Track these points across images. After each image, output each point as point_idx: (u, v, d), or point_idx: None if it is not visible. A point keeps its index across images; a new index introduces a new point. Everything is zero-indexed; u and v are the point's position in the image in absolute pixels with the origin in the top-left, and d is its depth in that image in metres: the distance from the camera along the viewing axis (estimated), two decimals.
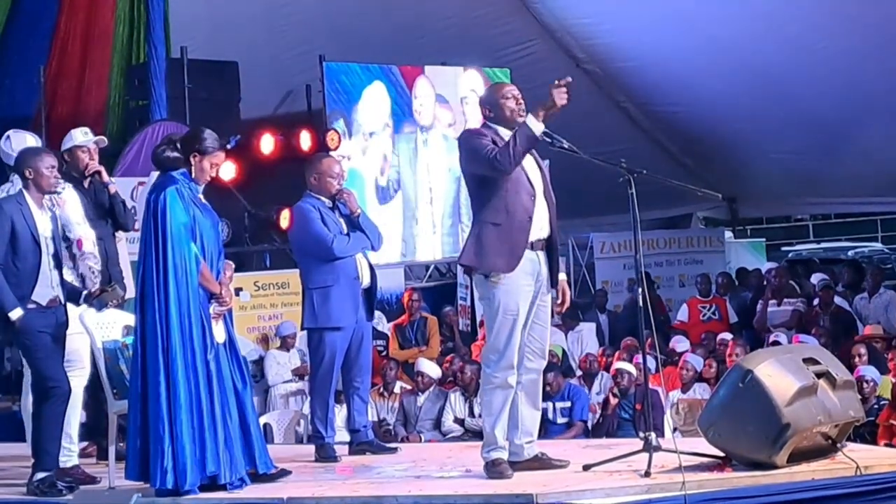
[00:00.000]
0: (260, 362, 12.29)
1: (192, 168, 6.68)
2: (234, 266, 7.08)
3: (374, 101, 14.84)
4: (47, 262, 6.85)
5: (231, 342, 6.73)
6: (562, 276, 6.65)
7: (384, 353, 13.15)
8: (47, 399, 6.74)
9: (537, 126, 6.31)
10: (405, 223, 14.98)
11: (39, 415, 6.77)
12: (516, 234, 6.38)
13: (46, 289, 6.84)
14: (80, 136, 7.72)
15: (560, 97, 6.29)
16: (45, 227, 6.88)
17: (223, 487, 6.49)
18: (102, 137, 7.93)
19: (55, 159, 7.05)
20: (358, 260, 7.67)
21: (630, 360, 11.74)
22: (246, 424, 6.66)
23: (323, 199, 7.70)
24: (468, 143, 6.53)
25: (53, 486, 6.73)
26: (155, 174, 7.10)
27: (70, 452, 7.15)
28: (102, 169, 7.69)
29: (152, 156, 6.73)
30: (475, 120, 15.36)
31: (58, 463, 6.88)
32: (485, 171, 6.41)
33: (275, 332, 12.75)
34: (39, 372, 6.78)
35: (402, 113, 15.22)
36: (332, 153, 12.54)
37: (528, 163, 6.51)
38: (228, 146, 12.83)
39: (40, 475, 6.74)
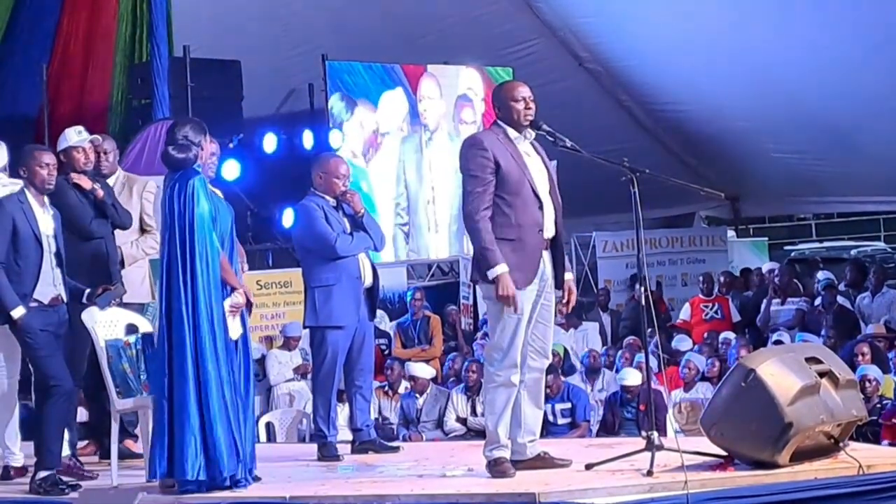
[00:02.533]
0: (262, 361, 12.30)
1: (203, 155, 6.70)
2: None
3: (394, 104, 14.95)
4: (49, 260, 6.86)
5: (245, 339, 6.75)
6: (568, 276, 6.64)
7: (386, 353, 13.16)
8: (50, 397, 6.74)
9: (491, 275, 6.26)
10: (409, 220, 15.02)
11: (42, 413, 6.78)
12: (531, 248, 6.38)
13: (48, 287, 6.85)
14: (74, 136, 7.67)
15: (504, 300, 6.27)
16: (46, 226, 6.89)
17: (228, 487, 6.48)
18: (97, 136, 7.89)
19: (52, 157, 7.03)
20: (360, 259, 7.68)
21: (633, 360, 11.77)
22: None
23: (327, 197, 7.70)
24: (466, 157, 6.46)
25: (56, 484, 6.73)
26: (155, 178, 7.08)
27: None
28: (82, 179, 7.63)
29: (169, 161, 6.65)
30: (470, 117, 15.57)
31: (60, 462, 6.88)
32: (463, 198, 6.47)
33: (280, 330, 12.75)
34: (41, 370, 6.78)
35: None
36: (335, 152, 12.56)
37: (534, 165, 6.50)
38: (231, 145, 12.87)
39: (43, 474, 6.74)
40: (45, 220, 6.90)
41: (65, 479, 6.83)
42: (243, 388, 6.64)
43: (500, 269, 6.28)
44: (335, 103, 14.50)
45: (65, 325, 6.92)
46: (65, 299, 6.93)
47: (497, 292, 6.28)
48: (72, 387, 6.88)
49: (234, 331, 6.62)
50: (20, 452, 7.25)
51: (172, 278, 6.51)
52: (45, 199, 6.98)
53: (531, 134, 6.56)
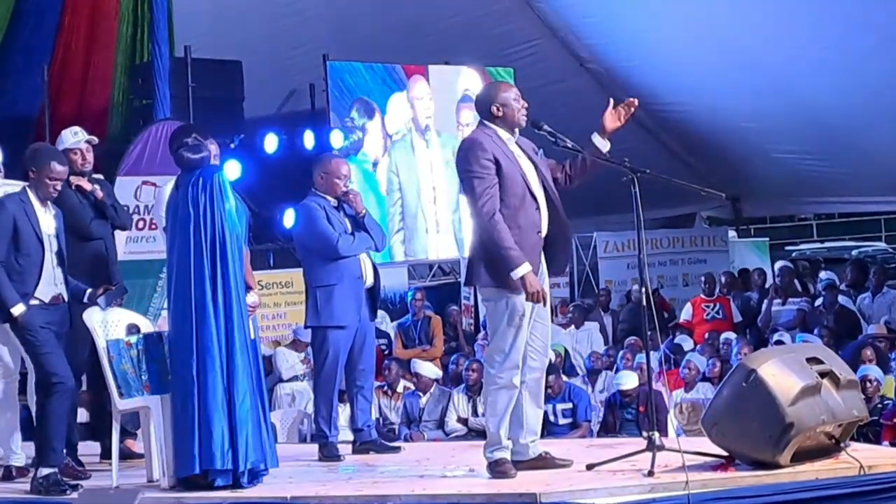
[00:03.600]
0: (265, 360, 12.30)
1: (212, 155, 6.76)
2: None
3: (403, 107, 14.96)
4: (50, 259, 6.87)
5: (254, 344, 6.76)
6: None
7: (387, 353, 13.16)
8: (52, 395, 6.73)
9: (516, 273, 6.23)
10: (405, 222, 15.00)
11: (44, 411, 6.77)
12: (530, 249, 6.36)
13: (49, 286, 6.86)
14: (70, 138, 7.66)
15: (533, 297, 6.25)
16: (48, 225, 6.89)
17: (255, 475, 6.51)
18: (93, 137, 7.85)
19: (63, 167, 6.97)
20: (362, 259, 7.68)
21: (633, 361, 11.76)
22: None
23: (328, 198, 7.71)
24: (468, 159, 6.41)
25: (58, 483, 6.73)
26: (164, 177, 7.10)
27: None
28: (82, 181, 7.63)
29: (186, 163, 6.66)
30: (469, 118, 15.55)
31: (62, 460, 6.87)
32: (469, 201, 6.42)
33: (293, 330, 12.74)
34: (43, 368, 6.77)
35: None
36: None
37: (527, 165, 6.48)
38: (232, 145, 12.87)
39: (45, 472, 6.73)
40: (47, 220, 6.91)
41: (65, 478, 6.82)
42: (258, 387, 6.67)
43: (524, 268, 6.23)
44: (355, 112, 14.51)
45: (66, 324, 6.92)
46: (65, 298, 6.93)
47: (526, 290, 6.23)
48: (73, 385, 6.89)
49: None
50: (22, 452, 7.25)
51: (196, 272, 6.51)
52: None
53: (516, 133, 6.55)
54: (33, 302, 6.78)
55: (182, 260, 6.58)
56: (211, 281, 6.48)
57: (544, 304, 6.36)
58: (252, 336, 6.72)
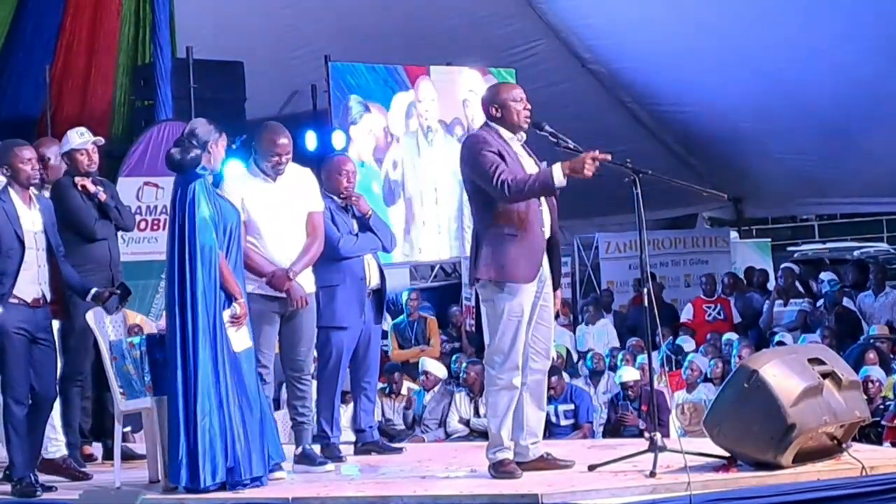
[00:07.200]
0: None
1: (212, 157, 6.71)
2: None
3: (405, 107, 14.97)
4: (34, 258, 6.72)
5: (251, 351, 6.73)
6: (557, 292, 6.62)
7: (387, 354, 13.15)
8: (6, 404, 6.66)
9: (561, 181, 6.23)
10: (407, 224, 14.99)
11: (4, 418, 6.73)
12: (534, 244, 6.37)
13: (33, 286, 6.72)
14: (77, 139, 7.65)
15: (590, 169, 6.22)
16: (30, 223, 6.75)
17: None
18: (99, 138, 7.83)
19: (32, 151, 6.89)
20: (366, 261, 7.67)
21: (635, 361, 11.76)
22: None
23: (334, 198, 7.71)
24: (473, 153, 6.43)
25: (30, 485, 6.66)
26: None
27: (57, 443, 7.17)
28: (87, 182, 7.63)
29: (170, 162, 6.66)
30: (478, 121, 15.56)
31: (25, 471, 6.73)
32: (487, 189, 6.39)
33: None
34: (2, 373, 6.68)
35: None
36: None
37: (529, 166, 6.50)
38: (234, 146, 12.86)
39: (15, 478, 6.71)
40: (30, 218, 6.77)
41: (40, 481, 6.76)
42: (251, 397, 6.63)
43: (555, 167, 6.21)
44: (353, 105, 14.51)
45: (44, 330, 6.78)
46: (48, 300, 6.79)
47: (584, 170, 6.19)
48: (25, 398, 6.69)
49: (239, 343, 6.58)
50: (62, 446, 7.24)
51: (169, 278, 6.53)
52: (32, 194, 6.86)
53: (523, 136, 6.56)
54: (12, 301, 6.64)
55: (166, 264, 6.62)
56: (179, 288, 6.47)
57: (598, 165, 6.25)
58: (240, 348, 6.62)
